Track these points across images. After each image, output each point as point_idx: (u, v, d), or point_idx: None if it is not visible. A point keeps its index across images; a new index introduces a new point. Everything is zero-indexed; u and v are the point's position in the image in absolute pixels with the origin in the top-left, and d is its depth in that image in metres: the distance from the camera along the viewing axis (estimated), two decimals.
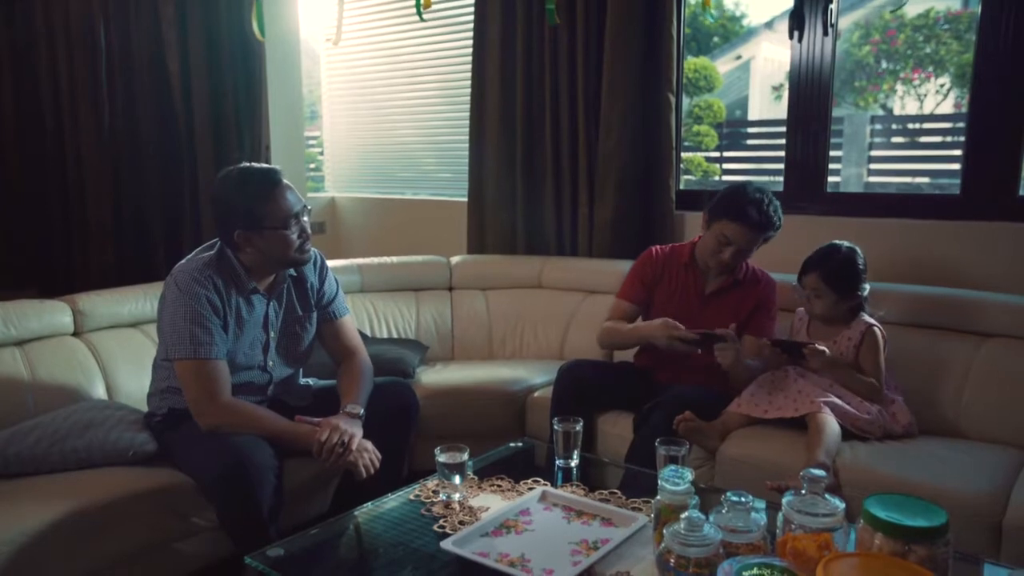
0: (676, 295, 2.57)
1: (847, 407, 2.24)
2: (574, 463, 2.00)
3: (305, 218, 2.13)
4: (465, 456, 1.82)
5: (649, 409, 2.34)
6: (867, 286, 2.38)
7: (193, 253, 2.15)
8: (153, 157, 4.02)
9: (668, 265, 2.60)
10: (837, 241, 2.43)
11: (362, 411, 2.13)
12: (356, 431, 2.05)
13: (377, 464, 2.05)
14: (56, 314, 2.47)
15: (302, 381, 2.38)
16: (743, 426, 2.32)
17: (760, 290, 2.54)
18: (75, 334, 2.52)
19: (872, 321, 2.36)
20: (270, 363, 2.21)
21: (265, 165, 2.13)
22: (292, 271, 2.21)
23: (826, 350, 2.27)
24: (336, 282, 2.35)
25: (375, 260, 3.43)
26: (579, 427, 1.99)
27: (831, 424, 2.16)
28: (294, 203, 2.09)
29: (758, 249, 2.48)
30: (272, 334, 2.20)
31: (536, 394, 2.77)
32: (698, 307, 2.54)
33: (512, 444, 2.20)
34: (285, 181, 2.10)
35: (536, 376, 2.87)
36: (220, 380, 2.04)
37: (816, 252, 2.43)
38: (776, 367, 2.39)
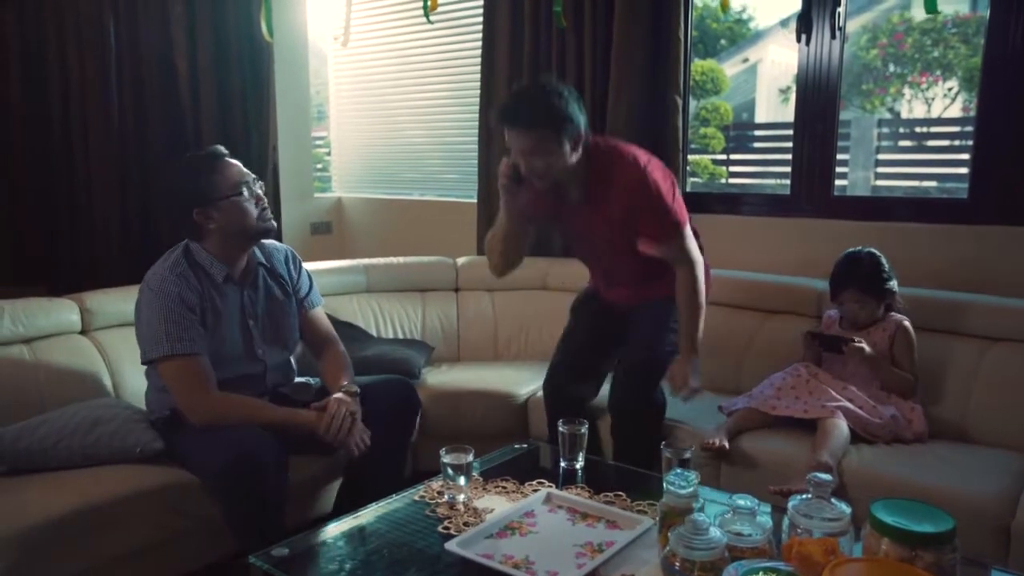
0: (549, 211, 2.39)
1: (859, 411, 2.23)
2: (579, 465, 2.00)
3: (257, 187, 2.15)
4: (470, 457, 1.81)
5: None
6: (895, 281, 2.42)
7: (161, 258, 2.16)
8: (161, 156, 4.03)
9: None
10: (851, 249, 2.46)
11: (358, 388, 2.17)
12: (357, 407, 2.10)
13: (368, 441, 2.08)
14: (64, 312, 2.49)
15: (299, 379, 2.39)
16: (753, 426, 2.32)
17: (626, 182, 2.23)
18: (82, 332, 2.53)
19: (903, 318, 2.40)
20: (259, 351, 2.22)
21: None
22: (262, 258, 2.24)
23: (866, 347, 2.29)
24: (309, 276, 2.40)
25: (381, 260, 3.44)
26: (584, 429, 1.99)
27: (840, 427, 2.16)
28: (242, 172, 2.12)
29: (567, 148, 2.17)
30: (253, 322, 2.21)
31: (540, 395, 2.77)
32: (570, 218, 2.39)
33: (517, 446, 2.20)
34: (228, 158, 2.14)
35: (541, 378, 2.86)
36: (205, 374, 2.06)
37: (840, 267, 2.45)
38: (812, 358, 2.45)
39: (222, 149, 2.15)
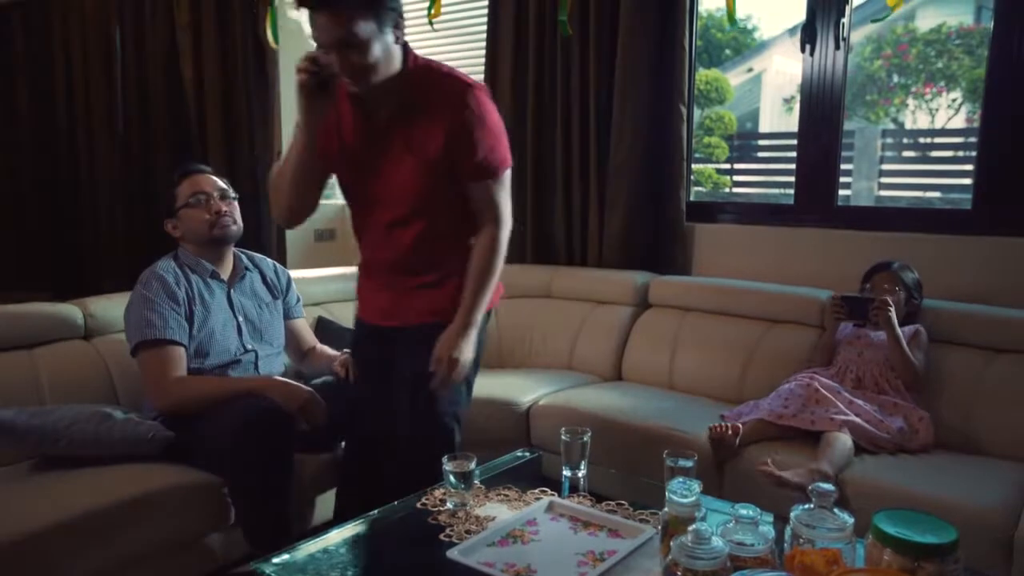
0: (347, 133, 1.94)
1: (866, 426, 2.23)
2: (582, 473, 2.00)
3: (223, 199, 2.28)
4: (472, 465, 1.81)
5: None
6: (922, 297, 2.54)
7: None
8: (165, 162, 4.05)
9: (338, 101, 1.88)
10: None
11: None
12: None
13: (323, 412, 2.14)
14: (67, 318, 2.49)
15: None
16: (762, 438, 2.31)
17: (451, 100, 1.83)
18: (86, 338, 2.53)
19: (920, 327, 2.48)
20: (248, 346, 2.32)
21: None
22: (248, 264, 2.40)
23: (892, 304, 2.37)
24: (296, 291, 2.57)
25: None
26: (587, 437, 1.99)
27: (844, 441, 2.16)
28: (199, 184, 2.27)
29: (389, 36, 1.77)
30: (242, 318, 2.33)
31: (543, 403, 2.77)
32: (370, 149, 1.92)
33: (519, 453, 2.20)
34: (208, 174, 2.30)
35: (544, 386, 2.87)
36: (174, 362, 2.14)
37: (875, 264, 2.58)
38: (831, 326, 2.55)
39: (194, 165, 2.33)
